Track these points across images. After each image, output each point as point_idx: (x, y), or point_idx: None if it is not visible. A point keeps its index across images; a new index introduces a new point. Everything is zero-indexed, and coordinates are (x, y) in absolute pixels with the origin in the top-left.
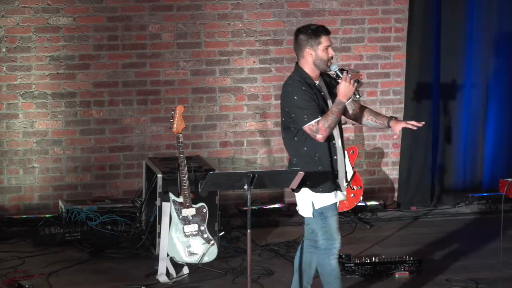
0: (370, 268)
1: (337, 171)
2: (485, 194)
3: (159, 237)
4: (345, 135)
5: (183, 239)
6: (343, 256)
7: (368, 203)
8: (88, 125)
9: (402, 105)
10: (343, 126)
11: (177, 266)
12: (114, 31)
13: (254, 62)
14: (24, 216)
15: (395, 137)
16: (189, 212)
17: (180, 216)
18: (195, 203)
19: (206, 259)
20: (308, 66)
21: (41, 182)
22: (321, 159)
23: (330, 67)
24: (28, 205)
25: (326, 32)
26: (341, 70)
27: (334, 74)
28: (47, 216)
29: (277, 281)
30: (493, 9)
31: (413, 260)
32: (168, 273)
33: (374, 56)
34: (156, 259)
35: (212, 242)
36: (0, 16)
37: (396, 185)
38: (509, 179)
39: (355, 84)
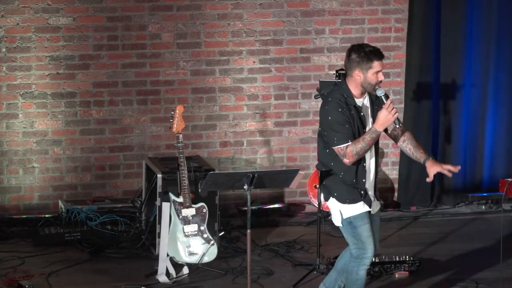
0: (370, 268)
1: (363, 190)
2: (485, 194)
3: (159, 237)
4: None
5: (183, 239)
6: None
7: None
8: (88, 125)
9: (402, 105)
10: None
11: (177, 266)
12: (114, 31)
13: (254, 62)
14: (24, 216)
15: (428, 180)
16: (189, 212)
17: (180, 216)
18: (195, 203)
19: (206, 259)
20: (354, 85)
21: (41, 182)
22: (344, 178)
23: (376, 90)
24: (28, 205)
25: (379, 56)
26: (387, 96)
27: (379, 98)
28: (47, 216)
29: (277, 281)
30: (493, 9)
31: (413, 260)
32: (168, 273)
33: None
34: (156, 259)
35: (212, 242)
36: (0, 16)
37: (396, 185)
38: (509, 179)
39: (396, 114)
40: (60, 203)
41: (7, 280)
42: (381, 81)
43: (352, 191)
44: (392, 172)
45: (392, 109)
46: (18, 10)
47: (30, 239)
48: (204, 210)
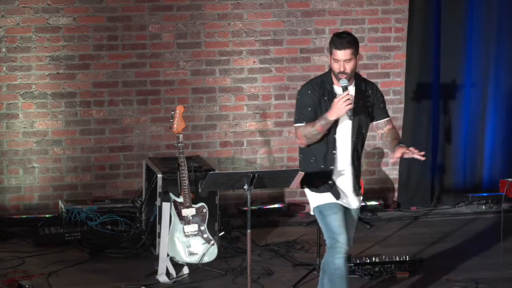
0: (370, 268)
1: (333, 181)
2: (485, 194)
3: (159, 237)
4: None
5: (183, 239)
6: None
7: (368, 203)
8: (88, 125)
9: (402, 105)
10: None
11: (177, 266)
12: (114, 31)
13: (254, 62)
14: (24, 216)
15: (391, 160)
16: (189, 212)
17: (180, 216)
18: (195, 203)
19: (206, 259)
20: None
21: (41, 182)
22: (316, 163)
23: (339, 80)
24: (28, 205)
25: (340, 47)
26: (345, 88)
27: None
28: (47, 216)
29: (277, 281)
30: (493, 9)
31: (413, 260)
32: (168, 273)
33: (374, 56)
34: (156, 259)
35: (212, 242)
36: (0, 16)
37: (396, 185)
38: (509, 179)
39: (348, 106)
40: (60, 203)
41: (7, 280)
42: (342, 72)
43: (320, 180)
44: (392, 172)
45: (346, 100)
46: (18, 10)
47: (30, 239)
48: (204, 210)
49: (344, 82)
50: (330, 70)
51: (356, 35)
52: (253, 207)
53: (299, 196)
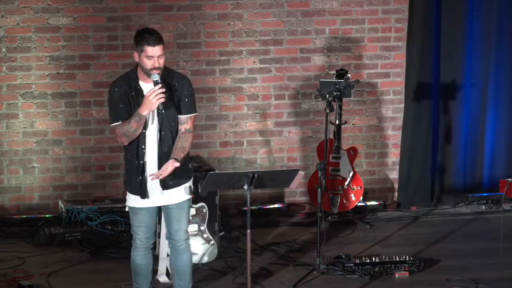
0: (370, 268)
1: (144, 176)
2: (485, 194)
3: (159, 237)
4: (344, 135)
5: None
6: (343, 256)
7: (368, 203)
8: (88, 125)
9: (402, 105)
10: (342, 126)
11: None
12: (114, 31)
13: (254, 62)
14: (24, 216)
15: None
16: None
17: None
18: (195, 203)
19: (206, 259)
20: (139, 67)
21: (41, 182)
22: (131, 158)
23: (151, 75)
24: (28, 205)
25: (152, 43)
26: (157, 83)
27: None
28: (47, 216)
29: (277, 281)
30: (493, 9)
31: (413, 260)
32: (168, 273)
33: (374, 56)
34: (156, 259)
35: (212, 242)
36: (0, 16)
37: (396, 185)
38: (509, 179)
39: (160, 100)
40: (60, 203)
41: (7, 280)
42: (156, 68)
43: (134, 181)
44: (392, 172)
45: (157, 94)
46: (18, 10)
47: (30, 239)
48: (204, 210)
49: (155, 76)
50: (136, 66)
51: (356, 35)
52: (253, 207)
53: (299, 196)
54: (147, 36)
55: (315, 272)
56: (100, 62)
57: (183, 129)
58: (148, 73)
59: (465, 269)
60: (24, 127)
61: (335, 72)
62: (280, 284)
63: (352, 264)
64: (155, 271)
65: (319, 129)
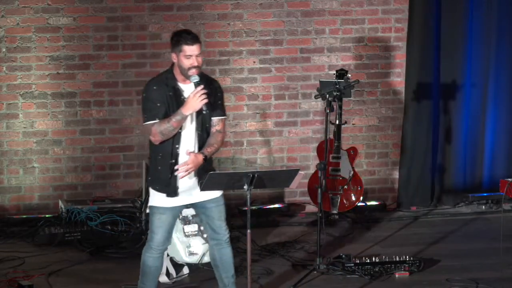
0: (370, 268)
1: (176, 176)
2: (485, 194)
3: None
4: (344, 135)
5: (183, 239)
6: (343, 256)
7: (368, 203)
8: (88, 125)
9: (402, 105)
10: (342, 126)
11: (177, 266)
12: (114, 31)
13: (254, 62)
14: (24, 216)
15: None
16: (189, 212)
17: (180, 216)
18: None
19: (206, 259)
20: (176, 68)
21: (41, 182)
22: (163, 159)
23: (190, 76)
24: (28, 205)
25: (190, 42)
26: (198, 84)
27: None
28: (47, 216)
29: (277, 281)
30: (493, 9)
31: (413, 260)
32: (168, 273)
33: (374, 56)
34: None
35: None
36: (0, 16)
37: (396, 185)
38: (509, 179)
39: (203, 101)
40: (60, 203)
41: (7, 280)
42: (195, 67)
43: (166, 180)
44: (392, 172)
45: (200, 95)
46: (18, 10)
47: (30, 239)
48: None
49: (195, 78)
50: (171, 67)
51: (356, 35)
52: (253, 207)
53: (299, 196)
54: (185, 35)
55: (315, 272)
56: (100, 62)
57: (214, 130)
58: (186, 73)
59: (465, 269)
60: (24, 127)
61: (335, 72)
62: (280, 284)
63: (352, 264)
64: None
65: (319, 129)
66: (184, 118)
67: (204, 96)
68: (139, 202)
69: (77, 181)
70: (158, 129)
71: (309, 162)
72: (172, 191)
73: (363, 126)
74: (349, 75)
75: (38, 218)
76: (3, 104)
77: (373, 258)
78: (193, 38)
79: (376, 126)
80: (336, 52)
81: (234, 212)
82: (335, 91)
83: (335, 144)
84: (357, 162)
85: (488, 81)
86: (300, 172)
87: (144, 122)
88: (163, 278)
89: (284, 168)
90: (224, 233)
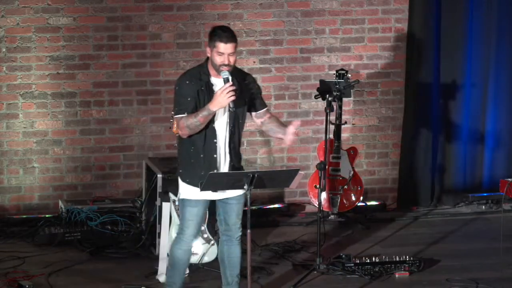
0: (370, 268)
1: (217, 169)
2: (485, 194)
3: (159, 237)
4: (345, 135)
5: None
6: (343, 256)
7: (368, 203)
8: (88, 125)
9: (402, 105)
10: (342, 126)
11: None
12: (114, 31)
13: (254, 62)
14: (24, 216)
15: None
16: None
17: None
18: None
19: (206, 259)
20: (210, 62)
21: (41, 182)
22: (196, 152)
23: (221, 72)
24: (28, 205)
25: (225, 40)
26: (227, 80)
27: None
28: (47, 216)
29: (277, 281)
30: (493, 9)
31: (413, 260)
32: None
33: (374, 56)
34: (156, 259)
35: (212, 242)
36: (0, 16)
37: (396, 185)
38: (509, 179)
39: (231, 98)
40: (60, 203)
41: (7, 280)
42: (226, 65)
43: (199, 174)
44: (392, 172)
45: (228, 92)
46: (18, 10)
47: (30, 239)
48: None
49: (225, 74)
50: (206, 61)
51: (356, 35)
52: (253, 207)
53: (299, 196)
54: (220, 32)
55: (315, 272)
56: (100, 62)
57: (267, 118)
58: (217, 69)
59: (465, 269)
60: (24, 127)
61: (335, 72)
62: (280, 284)
63: (352, 264)
64: (155, 271)
65: (319, 129)
66: (211, 114)
67: (231, 93)
68: (139, 202)
69: (77, 181)
70: (185, 123)
71: (309, 162)
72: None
73: (363, 126)
74: (349, 75)
75: (38, 218)
76: (3, 104)
77: (373, 258)
78: (228, 37)
79: (376, 126)
80: (336, 52)
81: None
82: (335, 91)
83: (335, 144)
84: (357, 162)
85: (488, 81)
86: (300, 172)
87: (174, 115)
88: (163, 278)
89: (284, 168)
90: (237, 231)
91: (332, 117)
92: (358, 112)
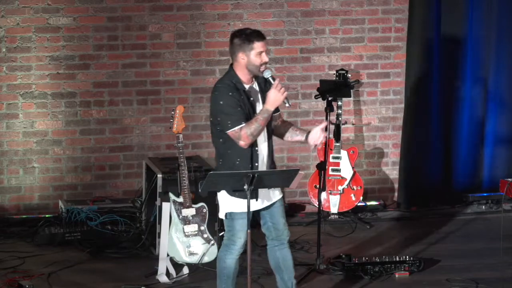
0: (370, 268)
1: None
2: (485, 194)
3: (159, 237)
4: (345, 135)
5: (183, 239)
6: (343, 256)
7: (368, 203)
8: (88, 125)
9: (402, 105)
10: (342, 126)
11: (177, 266)
12: (114, 31)
13: None
14: (24, 216)
15: (312, 147)
16: (189, 212)
17: (180, 216)
18: (195, 203)
19: (206, 259)
20: (241, 70)
21: (41, 182)
22: (241, 164)
23: (263, 72)
24: (28, 205)
25: (260, 38)
26: (274, 78)
27: (267, 80)
28: (47, 216)
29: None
30: (493, 9)
31: (413, 260)
32: (168, 273)
33: (374, 56)
34: (156, 259)
35: (212, 242)
36: (0, 16)
37: (396, 185)
38: (509, 179)
39: (285, 93)
40: (60, 203)
41: (7, 280)
42: (265, 63)
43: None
44: (392, 172)
45: (281, 88)
46: (18, 10)
47: (30, 239)
48: (204, 210)
49: (268, 72)
50: (232, 71)
51: (356, 35)
52: None
53: (299, 196)
54: (252, 33)
55: (315, 272)
56: (100, 62)
57: (280, 122)
58: (257, 71)
59: (465, 269)
60: (24, 127)
61: (335, 72)
62: None
63: (352, 264)
64: (155, 271)
65: None
66: (270, 114)
67: (284, 89)
68: (139, 202)
69: (77, 181)
70: (248, 132)
71: (309, 162)
72: (253, 195)
73: (363, 126)
74: (349, 75)
75: (38, 218)
76: (3, 104)
77: (373, 258)
78: (261, 34)
79: (376, 126)
80: (336, 52)
81: None
82: (335, 91)
83: (335, 144)
84: (357, 162)
85: (488, 81)
86: (300, 172)
87: (229, 130)
88: (163, 278)
89: (284, 168)
90: (287, 232)
91: (332, 117)
92: (358, 112)
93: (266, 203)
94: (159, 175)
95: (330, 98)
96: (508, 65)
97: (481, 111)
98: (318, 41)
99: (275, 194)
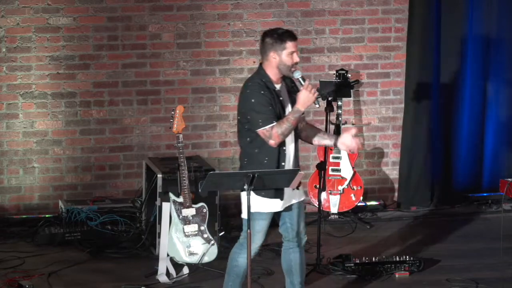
0: (370, 268)
1: None
2: (485, 194)
3: (159, 237)
4: None
5: (183, 239)
6: (343, 256)
7: (368, 203)
8: (88, 125)
9: (402, 105)
10: (342, 126)
11: (177, 266)
12: (114, 31)
13: (254, 62)
14: (24, 216)
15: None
16: (189, 212)
17: (180, 216)
18: (195, 203)
19: (206, 259)
20: (271, 69)
21: (41, 182)
22: (269, 164)
23: (293, 72)
24: (28, 205)
25: (292, 38)
26: (304, 78)
27: (297, 80)
28: (47, 216)
29: (277, 281)
30: (493, 9)
31: (413, 260)
32: (168, 273)
33: (374, 56)
34: (156, 259)
35: (212, 242)
36: (0, 16)
37: (396, 185)
38: (509, 179)
39: (316, 93)
40: (60, 203)
41: (7, 280)
42: (296, 63)
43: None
44: (392, 172)
45: (312, 89)
46: (18, 10)
47: (30, 239)
48: (204, 210)
49: (299, 73)
50: (262, 70)
51: (356, 35)
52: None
53: None
54: (285, 32)
55: (315, 272)
56: (100, 62)
57: (303, 124)
58: (288, 71)
59: (465, 269)
60: (24, 127)
61: (335, 72)
62: (280, 284)
63: (352, 264)
64: (155, 271)
65: None
66: (300, 115)
67: (315, 90)
68: (139, 202)
69: (77, 181)
70: (279, 131)
71: (309, 162)
72: (279, 195)
73: (363, 126)
74: (349, 75)
75: (38, 218)
76: (3, 104)
77: (373, 258)
78: (293, 34)
79: (376, 126)
80: (336, 52)
81: (234, 212)
82: (335, 91)
83: None
84: (357, 162)
85: (488, 81)
86: (300, 172)
87: (259, 128)
88: (163, 278)
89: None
90: (304, 236)
91: (332, 117)
92: (358, 112)
93: (286, 204)
94: (159, 175)
95: (330, 98)
96: (508, 65)
97: (481, 111)
98: (318, 41)
99: (300, 194)
